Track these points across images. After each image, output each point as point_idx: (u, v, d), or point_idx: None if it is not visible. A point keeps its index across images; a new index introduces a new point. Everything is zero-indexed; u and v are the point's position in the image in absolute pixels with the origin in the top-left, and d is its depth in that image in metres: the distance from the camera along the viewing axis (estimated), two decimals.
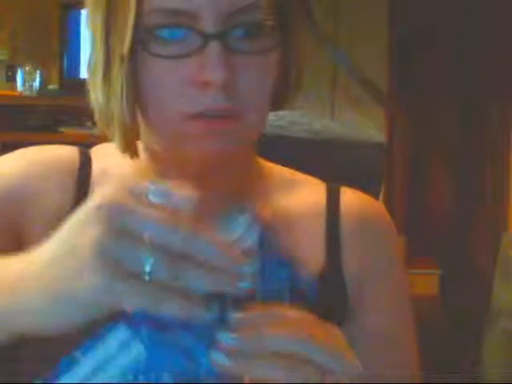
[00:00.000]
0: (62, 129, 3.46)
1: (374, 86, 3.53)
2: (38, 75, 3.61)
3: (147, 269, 0.52)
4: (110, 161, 0.83)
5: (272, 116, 0.97)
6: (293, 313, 0.62)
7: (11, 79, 3.64)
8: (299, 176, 0.88)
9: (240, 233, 0.61)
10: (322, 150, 1.02)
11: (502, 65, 3.46)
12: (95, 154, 0.85)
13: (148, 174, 0.81)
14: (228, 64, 0.70)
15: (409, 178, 3.73)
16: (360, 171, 1.02)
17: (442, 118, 3.65)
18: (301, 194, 0.85)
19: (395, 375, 0.82)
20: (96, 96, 0.76)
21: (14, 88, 3.62)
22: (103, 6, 0.74)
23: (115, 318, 0.61)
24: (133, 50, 0.72)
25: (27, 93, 3.60)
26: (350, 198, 0.86)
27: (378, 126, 3.40)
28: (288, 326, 0.61)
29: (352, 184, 0.88)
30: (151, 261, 0.52)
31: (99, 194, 0.57)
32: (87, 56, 0.77)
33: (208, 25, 0.70)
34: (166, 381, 0.60)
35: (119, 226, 0.54)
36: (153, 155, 0.80)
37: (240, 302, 0.60)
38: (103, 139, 0.81)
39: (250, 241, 0.61)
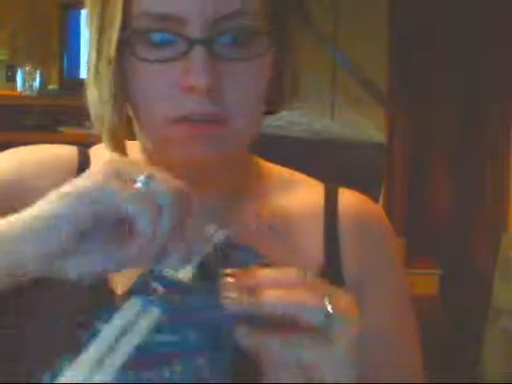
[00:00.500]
0: (62, 129, 3.46)
1: (373, 86, 3.53)
2: (38, 75, 3.62)
3: None
4: None
5: (272, 116, 0.97)
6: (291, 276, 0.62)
7: (11, 79, 3.64)
8: (298, 176, 0.88)
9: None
10: (321, 150, 1.02)
11: (502, 65, 3.46)
12: (94, 153, 0.85)
13: None
14: (212, 69, 0.70)
15: (409, 178, 3.73)
16: (360, 171, 1.02)
17: (441, 118, 3.65)
18: (299, 195, 0.85)
19: (396, 375, 0.82)
20: (90, 94, 0.77)
21: (14, 88, 3.62)
22: (98, 7, 0.75)
23: (129, 293, 0.63)
24: (120, 52, 0.72)
25: (27, 93, 3.60)
26: (347, 198, 0.86)
27: (377, 126, 3.40)
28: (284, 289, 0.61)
29: (352, 184, 0.88)
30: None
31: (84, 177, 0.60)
32: (86, 56, 0.78)
33: (194, 30, 0.71)
34: (190, 335, 0.63)
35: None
36: (150, 157, 0.80)
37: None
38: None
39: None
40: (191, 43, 0.71)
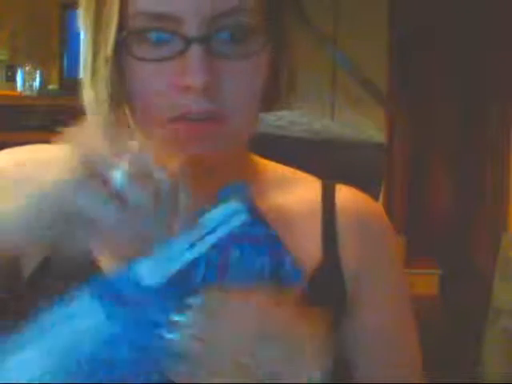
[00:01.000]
0: (62, 129, 3.46)
1: (374, 86, 3.53)
2: (38, 75, 3.62)
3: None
4: None
5: (271, 116, 0.97)
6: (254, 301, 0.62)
7: (11, 79, 3.64)
8: (294, 173, 0.88)
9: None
10: (321, 150, 1.02)
11: (502, 65, 3.46)
12: None
13: None
14: (209, 68, 0.70)
15: (409, 178, 3.73)
16: (360, 171, 1.01)
17: (441, 118, 3.65)
18: (296, 191, 0.85)
19: (395, 375, 0.82)
20: (86, 94, 0.77)
21: (14, 88, 3.62)
22: (93, 7, 0.75)
23: (80, 287, 0.63)
24: (117, 52, 0.72)
25: (27, 93, 3.60)
26: (345, 195, 0.86)
27: (377, 126, 3.40)
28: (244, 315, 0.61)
29: (352, 184, 0.88)
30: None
31: None
32: (81, 56, 0.78)
33: (191, 29, 0.71)
34: (123, 354, 0.62)
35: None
36: None
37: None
38: None
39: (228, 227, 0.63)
40: (188, 42, 0.71)
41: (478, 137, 3.59)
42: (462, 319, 3.14)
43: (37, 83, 3.61)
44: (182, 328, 0.61)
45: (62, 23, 3.60)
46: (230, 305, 0.61)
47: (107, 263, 0.76)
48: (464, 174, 3.65)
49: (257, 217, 0.64)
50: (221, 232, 0.63)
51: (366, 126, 1.09)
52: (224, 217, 0.63)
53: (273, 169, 0.87)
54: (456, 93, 3.61)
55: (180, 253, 0.62)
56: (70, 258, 0.72)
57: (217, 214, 0.64)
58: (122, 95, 0.75)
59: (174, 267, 0.62)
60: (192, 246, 0.63)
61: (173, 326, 0.61)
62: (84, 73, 0.77)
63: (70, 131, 0.66)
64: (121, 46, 0.73)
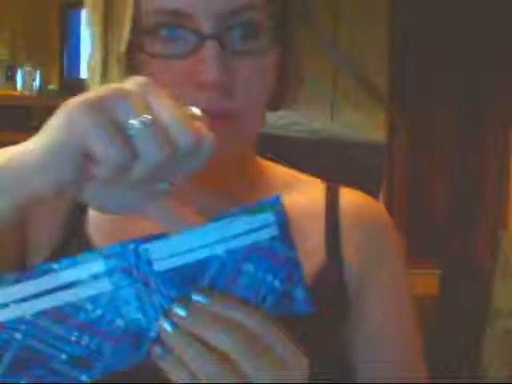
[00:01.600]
0: None
1: (374, 86, 3.53)
2: (38, 75, 3.61)
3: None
4: None
5: (272, 116, 0.98)
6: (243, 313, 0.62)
7: (11, 79, 3.64)
8: (298, 175, 0.88)
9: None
10: (321, 150, 1.02)
11: (502, 64, 3.46)
12: None
13: None
14: (223, 64, 0.70)
15: (409, 178, 3.73)
16: (360, 171, 1.02)
17: (441, 118, 3.65)
18: (300, 193, 0.85)
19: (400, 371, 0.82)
20: None
21: (14, 88, 3.62)
22: (102, 5, 0.74)
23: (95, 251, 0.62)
24: (130, 49, 0.72)
25: (27, 93, 3.60)
26: (349, 197, 0.86)
27: (377, 126, 3.40)
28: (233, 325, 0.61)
29: (352, 184, 0.88)
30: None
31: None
32: (87, 55, 0.77)
33: (204, 25, 0.71)
34: (117, 324, 0.62)
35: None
36: None
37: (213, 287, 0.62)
38: None
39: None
40: (202, 38, 0.70)
41: (478, 137, 3.58)
42: (462, 319, 3.14)
43: (37, 83, 3.61)
44: (180, 321, 0.61)
45: (62, 23, 3.60)
46: (231, 315, 0.61)
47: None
48: (464, 174, 3.64)
49: (286, 235, 0.62)
50: (247, 240, 0.61)
51: (365, 126, 1.09)
52: (255, 226, 0.62)
53: (277, 170, 0.87)
54: (456, 93, 3.61)
55: (198, 247, 0.61)
56: (76, 253, 0.71)
57: (249, 220, 0.61)
58: None
59: (187, 259, 0.61)
60: (212, 244, 0.61)
61: (171, 317, 0.61)
62: (91, 73, 0.76)
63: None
64: (133, 44, 0.72)
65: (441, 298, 3.43)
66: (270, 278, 0.62)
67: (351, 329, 0.82)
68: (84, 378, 0.62)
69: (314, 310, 0.63)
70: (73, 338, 0.62)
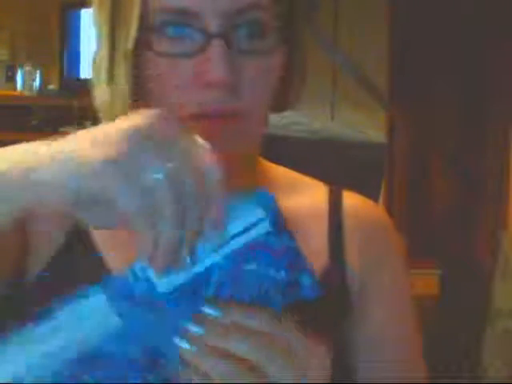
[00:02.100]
0: (62, 129, 3.46)
1: (374, 86, 3.53)
2: (38, 75, 3.62)
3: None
4: None
5: (272, 116, 0.98)
6: (262, 323, 0.62)
7: (11, 79, 3.64)
8: (300, 177, 0.88)
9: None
10: (322, 150, 1.02)
11: (502, 65, 3.46)
12: None
13: None
14: (230, 63, 0.70)
15: (409, 178, 3.73)
16: (360, 171, 1.02)
17: (441, 118, 3.65)
18: (304, 196, 0.85)
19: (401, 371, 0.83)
20: (100, 93, 0.76)
21: (14, 88, 3.62)
22: (108, 3, 0.74)
23: (96, 284, 0.62)
24: (137, 47, 0.72)
25: (27, 93, 3.60)
26: (352, 201, 0.86)
27: (377, 125, 3.40)
28: (254, 334, 0.61)
29: (352, 184, 0.88)
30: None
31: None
32: (92, 53, 0.77)
33: (211, 24, 0.70)
34: (133, 355, 0.61)
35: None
36: None
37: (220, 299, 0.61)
38: None
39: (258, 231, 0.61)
40: (209, 37, 0.70)
41: (478, 137, 3.58)
42: (462, 319, 3.14)
43: (37, 83, 3.61)
44: (196, 339, 0.60)
45: (62, 23, 3.60)
46: (242, 321, 0.61)
47: (116, 264, 0.76)
48: (464, 174, 3.64)
49: (281, 227, 0.62)
50: (243, 240, 0.61)
51: (365, 126, 1.09)
52: (248, 224, 0.61)
53: (281, 172, 0.87)
54: (456, 93, 3.61)
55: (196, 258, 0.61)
56: (79, 257, 0.71)
57: (240, 220, 0.61)
58: (139, 92, 0.74)
59: (188, 274, 0.61)
60: (209, 252, 0.61)
61: (186, 335, 0.61)
62: (96, 71, 0.76)
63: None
64: (139, 42, 0.72)
65: (441, 298, 3.43)
66: (272, 271, 0.62)
67: (352, 329, 0.82)
68: None
69: (320, 294, 0.63)
70: (85, 377, 0.61)
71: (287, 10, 0.76)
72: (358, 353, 0.83)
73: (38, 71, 3.61)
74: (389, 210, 3.56)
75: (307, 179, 0.88)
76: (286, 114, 1.02)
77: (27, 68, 3.59)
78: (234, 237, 0.61)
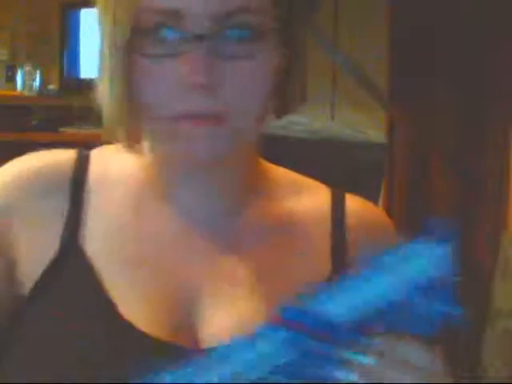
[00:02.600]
0: (62, 129, 3.46)
1: (374, 86, 3.53)
2: (38, 75, 3.61)
3: None
4: (110, 163, 0.83)
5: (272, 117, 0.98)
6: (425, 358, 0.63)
7: (11, 79, 3.64)
8: (303, 180, 0.88)
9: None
10: (322, 150, 1.02)
11: (502, 65, 3.46)
12: (96, 156, 0.84)
13: (151, 176, 0.81)
14: (213, 66, 0.70)
15: (409, 178, 3.73)
16: (360, 171, 1.02)
17: (441, 118, 3.65)
18: (305, 198, 0.85)
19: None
20: (106, 94, 0.76)
21: (14, 88, 3.62)
22: (106, 5, 0.74)
23: (273, 321, 0.61)
24: (124, 48, 0.72)
25: (27, 93, 3.60)
26: (354, 204, 0.86)
27: (377, 126, 3.40)
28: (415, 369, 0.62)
29: (352, 184, 0.88)
30: None
31: None
32: (96, 53, 0.78)
33: (197, 26, 0.70)
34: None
35: None
36: (156, 156, 0.80)
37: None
38: (103, 139, 0.81)
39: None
40: (193, 39, 0.70)
41: (478, 137, 3.58)
42: (462, 319, 3.13)
43: (37, 83, 3.61)
44: (362, 370, 0.59)
45: (62, 23, 3.60)
46: (408, 357, 0.62)
47: (109, 277, 0.76)
48: (464, 174, 3.64)
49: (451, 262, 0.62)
50: (429, 273, 0.61)
51: (365, 126, 1.09)
52: (426, 262, 0.61)
53: (281, 173, 0.87)
54: (456, 93, 3.61)
55: (376, 296, 0.60)
56: (71, 271, 0.71)
57: (424, 255, 0.60)
58: (130, 93, 0.74)
59: (365, 311, 0.60)
60: (390, 289, 0.60)
61: (353, 366, 0.59)
62: (100, 71, 0.76)
63: None
64: (127, 43, 0.72)
65: None
66: (438, 305, 0.63)
67: None
68: None
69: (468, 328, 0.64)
70: None
71: (286, 12, 0.75)
72: None
73: (37, 71, 3.61)
74: (389, 210, 3.56)
75: (308, 180, 0.88)
76: None
77: (27, 68, 3.59)
78: (420, 271, 0.61)
